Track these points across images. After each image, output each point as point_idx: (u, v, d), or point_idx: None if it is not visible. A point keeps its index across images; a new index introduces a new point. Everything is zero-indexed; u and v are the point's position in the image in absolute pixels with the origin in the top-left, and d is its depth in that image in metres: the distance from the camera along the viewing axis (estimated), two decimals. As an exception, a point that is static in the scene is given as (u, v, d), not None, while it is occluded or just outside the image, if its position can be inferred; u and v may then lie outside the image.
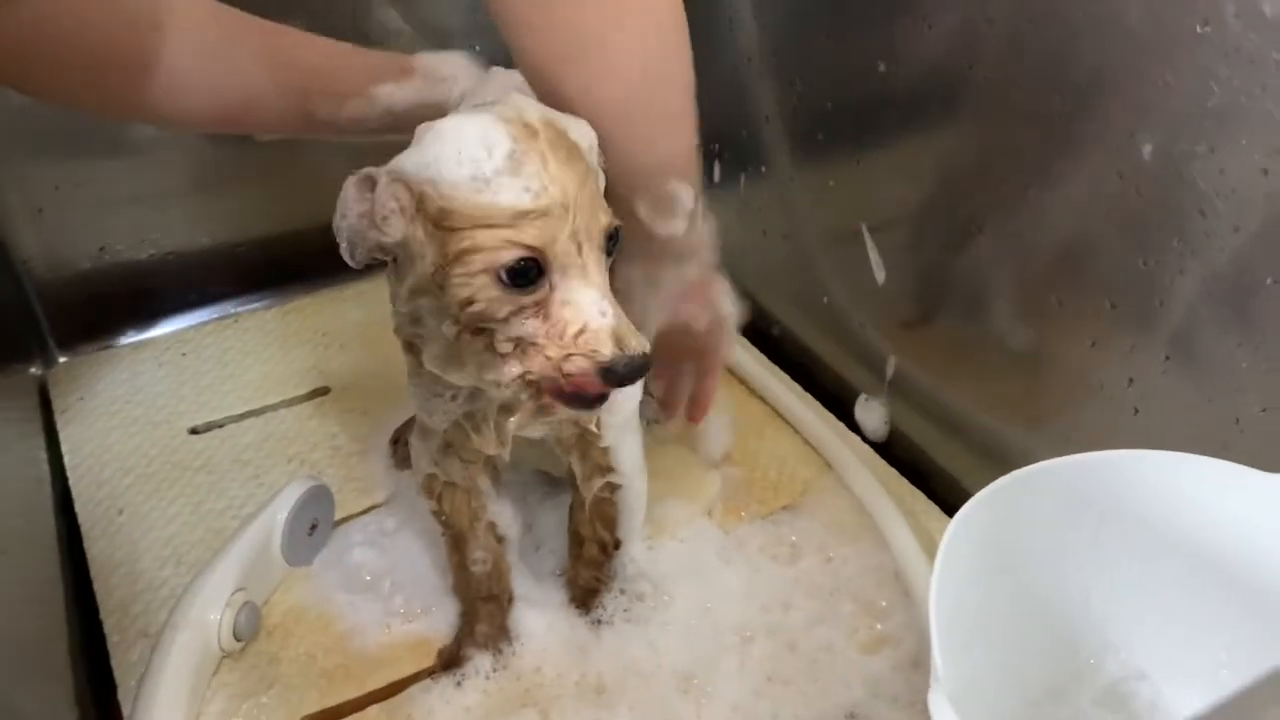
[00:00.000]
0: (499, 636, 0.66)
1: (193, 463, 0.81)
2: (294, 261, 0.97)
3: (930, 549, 0.69)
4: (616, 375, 0.47)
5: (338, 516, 0.75)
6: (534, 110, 0.49)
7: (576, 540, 0.68)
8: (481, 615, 0.66)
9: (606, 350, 0.47)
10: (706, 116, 0.94)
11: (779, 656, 0.66)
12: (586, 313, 0.47)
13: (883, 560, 0.72)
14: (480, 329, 0.48)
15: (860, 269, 0.80)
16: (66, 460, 0.81)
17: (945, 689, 0.42)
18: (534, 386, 0.49)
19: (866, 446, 0.82)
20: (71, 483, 0.79)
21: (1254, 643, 0.53)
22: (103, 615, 0.69)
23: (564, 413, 0.56)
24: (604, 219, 0.48)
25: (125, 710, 0.62)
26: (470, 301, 0.47)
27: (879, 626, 0.68)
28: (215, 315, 0.97)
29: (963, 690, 0.43)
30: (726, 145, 0.93)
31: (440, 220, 0.47)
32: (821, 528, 0.75)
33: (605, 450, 0.62)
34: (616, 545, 0.68)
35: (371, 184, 0.48)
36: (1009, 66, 0.64)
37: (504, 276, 0.46)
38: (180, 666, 0.61)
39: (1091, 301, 0.63)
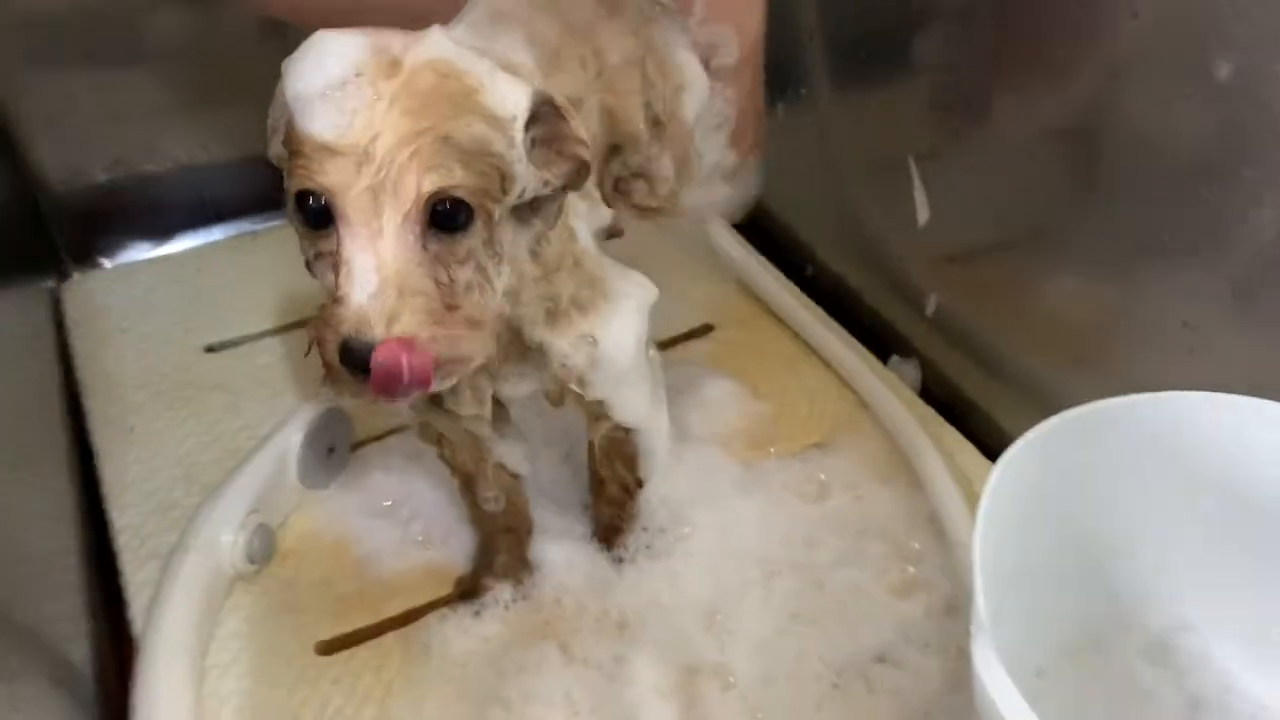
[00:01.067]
0: (519, 567, 0.65)
1: (208, 381, 0.79)
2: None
3: (966, 491, 0.67)
4: (351, 357, 0.40)
5: (357, 440, 0.73)
6: (430, 48, 0.42)
7: (597, 480, 0.65)
8: (500, 546, 0.64)
9: (341, 329, 0.40)
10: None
11: (804, 594, 0.64)
12: (353, 280, 0.40)
13: (916, 502, 0.69)
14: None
15: (902, 200, 0.77)
16: (79, 376, 0.80)
17: (992, 640, 0.40)
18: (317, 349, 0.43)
19: (903, 384, 0.79)
20: (84, 399, 0.78)
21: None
22: (114, 534, 0.68)
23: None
24: (429, 184, 0.40)
25: (136, 628, 0.61)
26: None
27: (911, 569, 0.65)
28: (233, 232, 0.95)
29: (1000, 639, 0.41)
30: (765, 73, 0.89)
31: (288, 139, 0.42)
32: (853, 466, 0.73)
33: (598, 403, 0.58)
34: (639, 484, 0.66)
35: None
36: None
37: (300, 211, 0.42)
38: (191, 588, 0.60)
39: (1149, 236, 0.59)
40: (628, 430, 0.61)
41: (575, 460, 0.71)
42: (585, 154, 0.46)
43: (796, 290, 0.87)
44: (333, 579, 0.65)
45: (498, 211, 0.44)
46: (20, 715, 0.50)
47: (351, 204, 0.40)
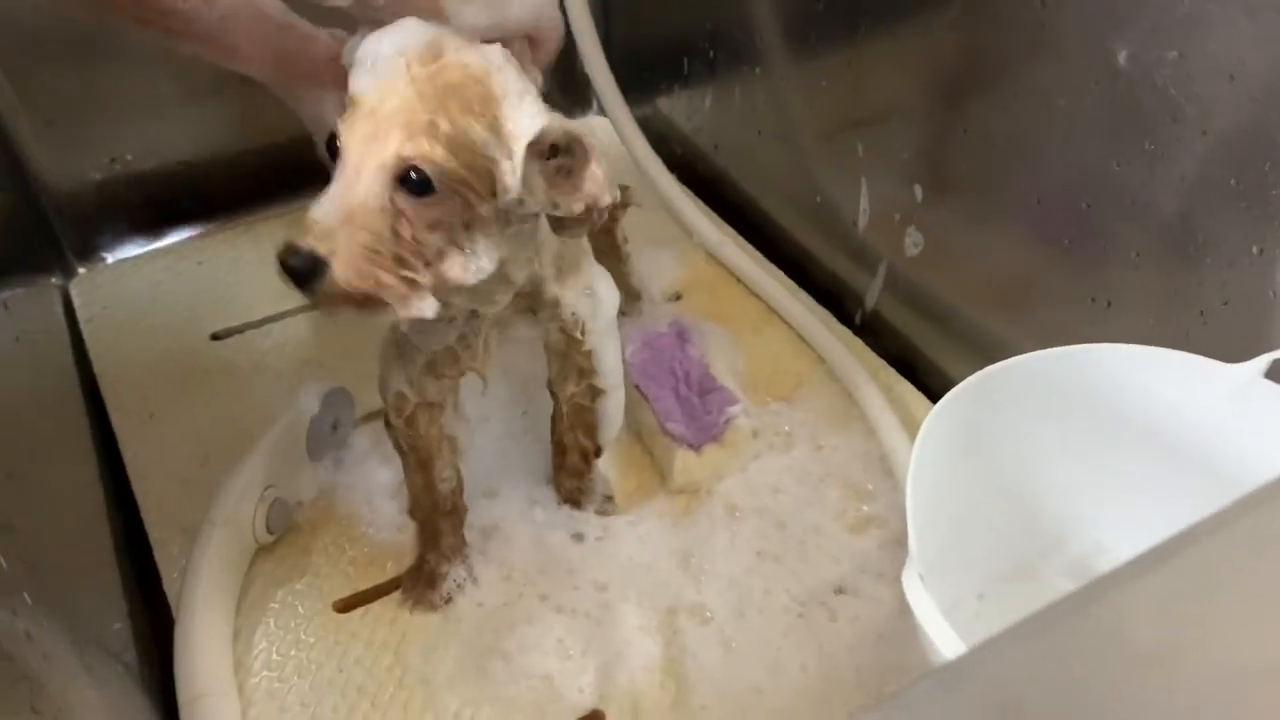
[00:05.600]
0: (461, 547, 0.70)
1: (215, 367, 0.85)
2: (302, 168, 0.97)
3: (914, 435, 0.73)
4: (284, 256, 0.46)
5: (357, 415, 0.79)
6: (476, 56, 0.49)
7: (559, 449, 0.72)
8: (444, 528, 0.69)
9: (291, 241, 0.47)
10: (703, 21, 0.96)
11: (768, 535, 0.71)
12: (321, 201, 0.47)
13: (870, 447, 0.76)
14: None
15: (852, 168, 0.83)
16: (95, 367, 0.85)
17: (918, 568, 0.47)
18: None
19: (857, 339, 0.85)
20: (102, 389, 0.83)
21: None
22: (143, 513, 0.73)
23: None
24: (406, 150, 0.46)
25: (171, 600, 0.67)
26: None
27: (865, 508, 0.72)
28: (228, 223, 1.00)
29: (938, 567, 0.48)
30: (722, 48, 0.94)
31: None
32: (814, 418, 0.79)
33: (588, 354, 0.65)
34: (597, 453, 0.71)
35: None
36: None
37: (328, 147, 0.49)
38: (219, 559, 0.66)
39: (1068, 201, 0.66)
40: (594, 395, 0.67)
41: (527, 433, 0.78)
42: (597, 196, 0.50)
43: (759, 256, 0.93)
44: (343, 544, 0.72)
45: (485, 207, 0.49)
46: (68, 691, 0.53)
47: (349, 145, 0.47)
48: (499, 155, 0.48)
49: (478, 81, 0.48)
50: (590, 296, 0.62)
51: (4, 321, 0.73)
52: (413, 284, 0.48)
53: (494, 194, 0.49)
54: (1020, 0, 0.64)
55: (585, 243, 0.63)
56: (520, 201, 0.49)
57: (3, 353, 0.70)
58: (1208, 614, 0.23)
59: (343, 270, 0.46)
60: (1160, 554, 0.24)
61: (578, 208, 0.50)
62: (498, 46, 0.50)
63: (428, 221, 0.48)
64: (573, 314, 0.62)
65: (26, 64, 0.89)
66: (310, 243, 0.46)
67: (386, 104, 0.46)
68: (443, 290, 0.50)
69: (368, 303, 0.47)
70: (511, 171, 0.48)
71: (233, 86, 0.94)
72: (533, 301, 0.60)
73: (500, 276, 0.53)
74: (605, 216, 0.52)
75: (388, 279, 0.47)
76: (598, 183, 0.50)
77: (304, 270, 0.46)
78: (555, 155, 0.49)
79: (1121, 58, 0.58)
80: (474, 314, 0.58)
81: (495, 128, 0.48)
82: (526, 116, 0.48)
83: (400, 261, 0.47)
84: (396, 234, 0.47)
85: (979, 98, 0.70)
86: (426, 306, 0.49)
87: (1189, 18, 0.54)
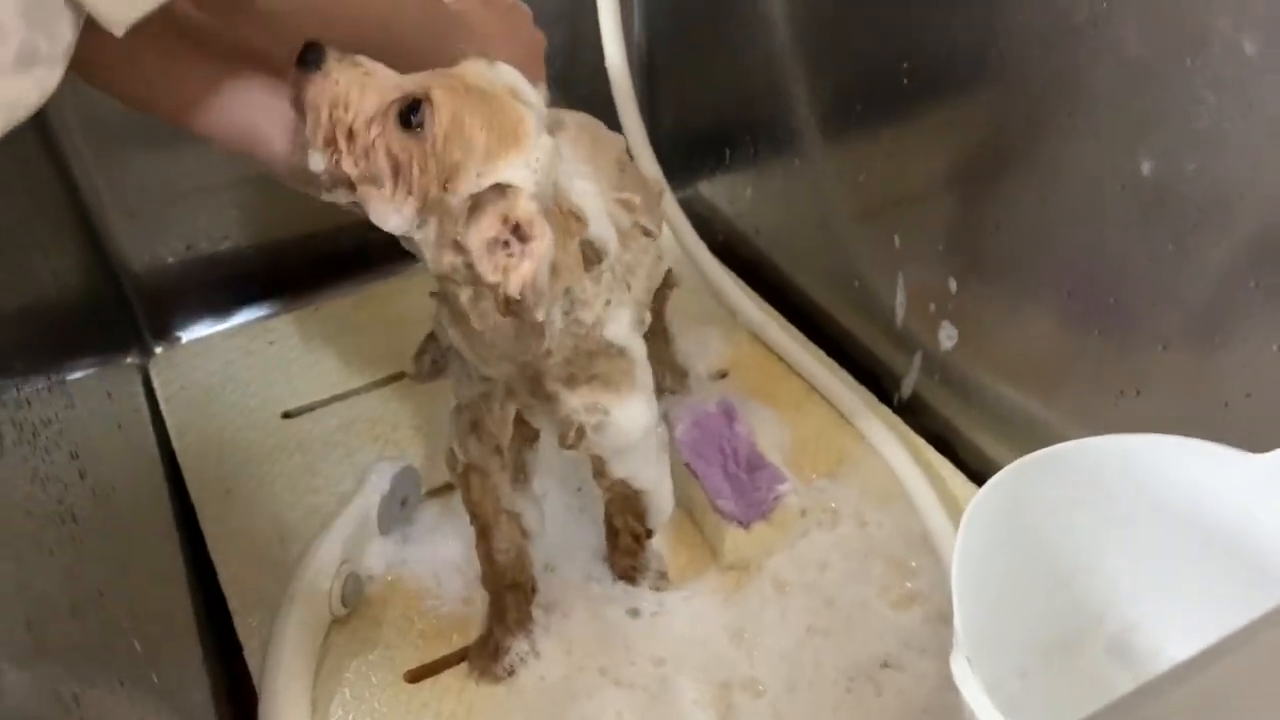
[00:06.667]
0: (526, 621, 0.73)
1: (288, 444, 0.89)
2: (367, 251, 1.04)
3: (955, 512, 0.77)
4: (306, 52, 0.51)
5: (422, 491, 0.83)
6: (509, 82, 0.54)
7: (611, 530, 0.75)
8: (509, 603, 0.72)
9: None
10: (744, 111, 1.01)
11: (816, 610, 0.75)
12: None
13: (912, 523, 0.80)
14: None
15: (889, 257, 0.87)
16: (175, 445, 0.90)
17: (965, 652, 0.50)
18: None
19: (897, 418, 0.89)
20: (182, 466, 0.88)
21: (1242, 604, 0.60)
22: (223, 585, 0.77)
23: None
24: (428, 85, 0.51)
25: (252, 670, 0.71)
26: None
27: (909, 584, 0.76)
28: (297, 304, 1.05)
29: (982, 641, 0.51)
30: (763, 137, 0.99)
31: None
32: (857, 494, 0.83)
33: (599, 459, 0.66)
34: (649, 534, 0.74)
35: None
36: (1021, 78, 0.71)
37: None
38: (300, 631, 0.70)
39: (1097, 295, 0.69)
40: (635, 487, 0.69)
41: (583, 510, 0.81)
42: (511, 287, 0.51)
43: (801, 337, 0.97)
44: (411, 617, 0.75)
45: (433, 187, 0.51)
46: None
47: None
48: (473, 166, 0.51)
49: (515, 118, 0.52)
50: (599, 414, 0.62)
51: (106, 407, 0.78)
52: (332, 148, 0.51)
53: (446, 187, 0.51)
54: (1049, 109, 0.68)
55: (640, 374, 0.64)
56: (458, 222, 0.52)
57: (107, 434, 0.75)
58: (1241, 715, 0.26)
59: (323, 83, 0.50)
60: (1194, 664, 0.27)
61: (490, 278, 0.52)
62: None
63: (388, 148, 0.51)
64: (568, 416, 0.62)
65: (110, 154, 0.94)
66: (324, 57, 0.51)
67: (429, 78, 0.51)
68: (355, 205, 0.52)
69: (302, 115, 0.51)
70: (469, 185, 0.51)
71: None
72: (536, 387, 0.62)
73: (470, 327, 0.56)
74: (506, 307, 0.53)
75: (326, 124, 0.51)
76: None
77: (313, 58, 0.51)
78: (517, 232, 0.51)
79: (1145, 167, 0.62)
80: (485, 377, 0.62)
81: (492, 153, 0.51)
82: (518, 173, 0.51)
83: (349, 138, 0.51)
84: (367, 125, 0.50)
85: (1010, 195, 0.75)
86: (315, 162, 0.51)
87: (1207, 133, 0.58)
